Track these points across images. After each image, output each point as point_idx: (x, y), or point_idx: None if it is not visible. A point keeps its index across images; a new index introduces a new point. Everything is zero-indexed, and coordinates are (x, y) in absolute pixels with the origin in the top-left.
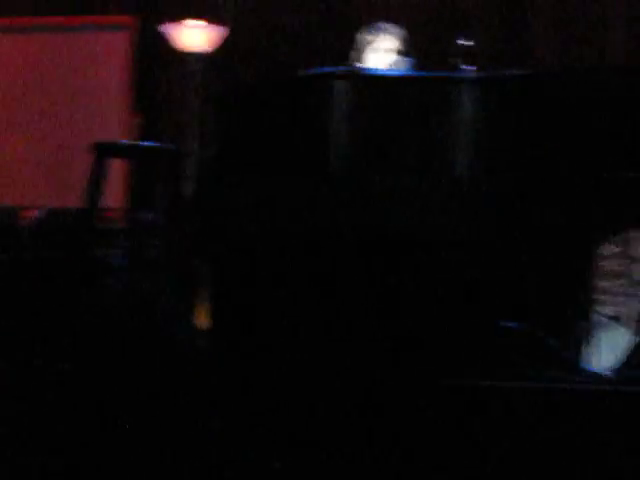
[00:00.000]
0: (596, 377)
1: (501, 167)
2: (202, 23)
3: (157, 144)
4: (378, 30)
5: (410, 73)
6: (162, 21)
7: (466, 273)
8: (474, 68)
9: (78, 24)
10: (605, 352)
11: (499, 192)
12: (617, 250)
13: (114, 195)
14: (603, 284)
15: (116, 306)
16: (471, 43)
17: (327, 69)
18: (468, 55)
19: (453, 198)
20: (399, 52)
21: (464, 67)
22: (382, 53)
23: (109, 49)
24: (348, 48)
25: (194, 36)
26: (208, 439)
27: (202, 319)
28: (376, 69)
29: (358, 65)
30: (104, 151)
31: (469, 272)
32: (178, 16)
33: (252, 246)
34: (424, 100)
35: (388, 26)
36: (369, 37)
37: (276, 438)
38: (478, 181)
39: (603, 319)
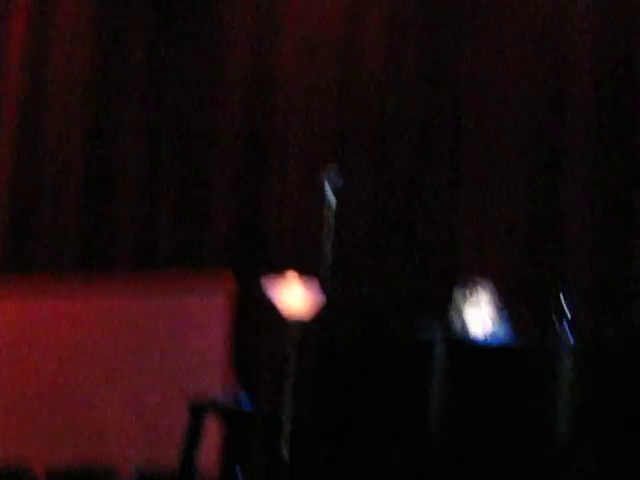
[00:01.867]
0: None
1: None
2: (300, 286)
3: (254, 408)
4: (474, 286)
5: (510, 343)
6: (260, 280)
7: None
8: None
9: (177, 289)
10: None
11: None
12: None
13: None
14: None
15: None
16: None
17: (431, 335)
18: (563, 313)
19: None
20: (493, 307)
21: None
22: (478, 309)
23: (208, 311)
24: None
25: (293, 299)
26: None
27: None
28: (476, 336)
29: (458, 324)
30: (200, 410)
31: None
32: (276, 272)
33: None
34: (528, 371)
35: (482, 281)
36: (466, 293)
37: None
38: None
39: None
